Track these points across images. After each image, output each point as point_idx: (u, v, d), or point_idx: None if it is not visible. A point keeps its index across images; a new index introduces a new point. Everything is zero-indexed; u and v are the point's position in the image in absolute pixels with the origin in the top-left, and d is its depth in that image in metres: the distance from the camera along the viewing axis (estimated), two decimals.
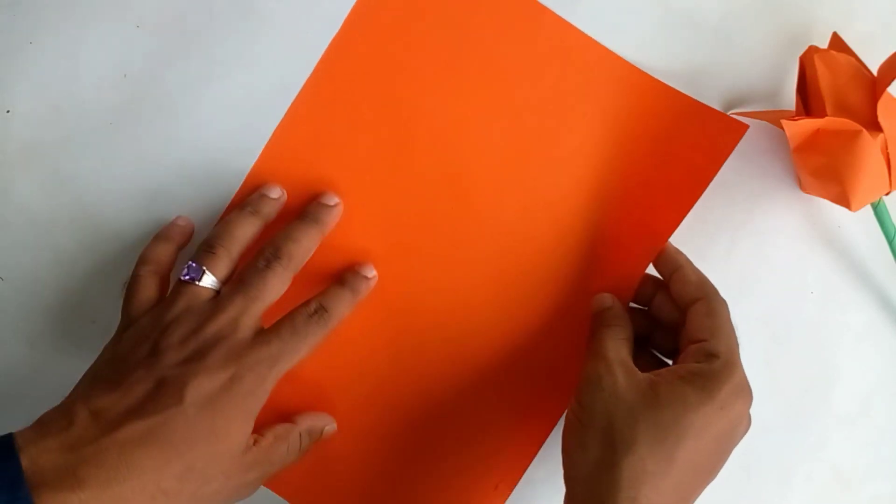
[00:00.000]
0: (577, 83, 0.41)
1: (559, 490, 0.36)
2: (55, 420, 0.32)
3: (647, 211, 0.41)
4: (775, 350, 0.43)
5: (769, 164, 0.43)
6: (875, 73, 0.40)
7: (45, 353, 0.41)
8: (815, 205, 0.43)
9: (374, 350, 0.41)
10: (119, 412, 0.32)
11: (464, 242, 0.41)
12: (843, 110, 0.39)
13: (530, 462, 0.41)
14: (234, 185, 0.40)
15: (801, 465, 0.44)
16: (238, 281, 0.36)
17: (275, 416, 0.38)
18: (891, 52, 0.39)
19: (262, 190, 0.39)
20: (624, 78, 0.41)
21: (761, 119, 0.42)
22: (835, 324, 0.44)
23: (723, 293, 0.43)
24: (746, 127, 0.40)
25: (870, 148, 0.38)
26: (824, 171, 0.39)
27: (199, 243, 0.38)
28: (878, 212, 0.41)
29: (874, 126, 0.38)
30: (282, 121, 0.40)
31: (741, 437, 0.36)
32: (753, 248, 0.43)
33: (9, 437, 0.31)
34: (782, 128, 0.39)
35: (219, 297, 0.36)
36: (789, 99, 0.42)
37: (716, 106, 0.43)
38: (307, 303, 0.37)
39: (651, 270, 0.41)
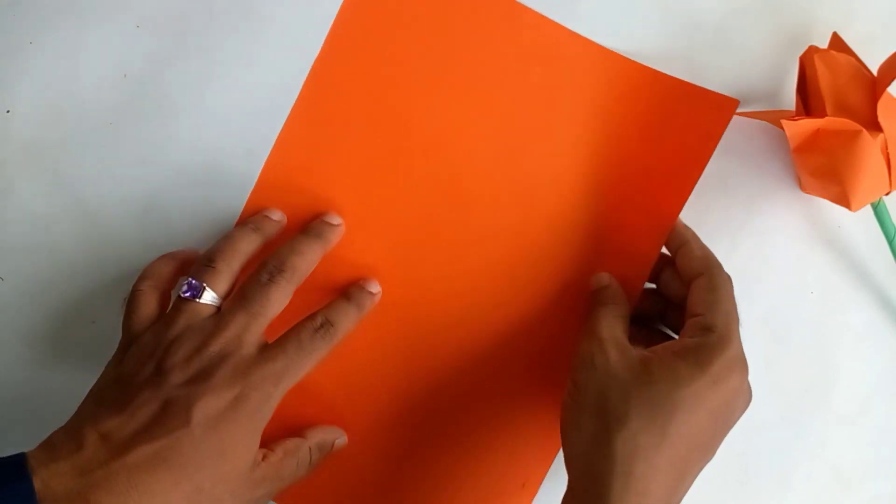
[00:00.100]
0: (564, 77, 0.40)
1: None
2: (65, 442, 0.32)
3: (649, 197, 0.40)
4: (775, 350, 0.43)
5: (769, 164, 0.43)
6: (875, 73, 0.40)
7: (45, 354, 0.41)
8: (815, 205, 0.43)
9: (383, 358, 0.41)
10: (127, 435, 0.32)
11: (468, 245, 0.41)
12: (843, 110, 0.39)
13: (554, 458, 0.41)
14: (233, 185, 0.40)
15: (801, 465, 0.44)
16: (240, 296, 0.36)
17: (284, 430, 0.38)
18: (891, 52, 0.39)
19: (265, 212, 0.39)
20: (610, 67, 0.41)
21: (761, 119, 0.42)
22: (835, 324, 0.44)
23: None
24: (737, 102, 0.40)
25: (870, 148, 0.38)
26: (824, 171, 0.39)
27: (201, 249, 0.38)
28: (878, 212, 0.41)
29: (874, 126, 0.38)
30: (280, 133, 0.40)
31: (741, 412, 0.36)
32: (753, 248, 0.43)
33: (21, 457, 0.31)
34: (782, 128, 0.39)
35: (220, 314, 0.35)
36: (789, 99, 0.42)
37: None
38: (312, 317, 0.37)
39: None
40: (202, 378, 0.33)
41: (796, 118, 0.39)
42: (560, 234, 0.41)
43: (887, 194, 0.40)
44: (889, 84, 0.38)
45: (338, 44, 0.40)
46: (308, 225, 0.39)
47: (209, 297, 0.36)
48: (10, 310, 0.40)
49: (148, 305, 0.36)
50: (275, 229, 0.39)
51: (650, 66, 0.42)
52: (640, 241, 0.40)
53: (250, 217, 0.39)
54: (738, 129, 0.43)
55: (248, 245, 0.37)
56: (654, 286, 0.41)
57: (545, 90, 0.41)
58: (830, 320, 0.44)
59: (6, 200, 0.40)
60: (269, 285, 0.36)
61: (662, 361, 0.34)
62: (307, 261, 0.37)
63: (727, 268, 0.43)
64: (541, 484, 0.41)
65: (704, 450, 0.35)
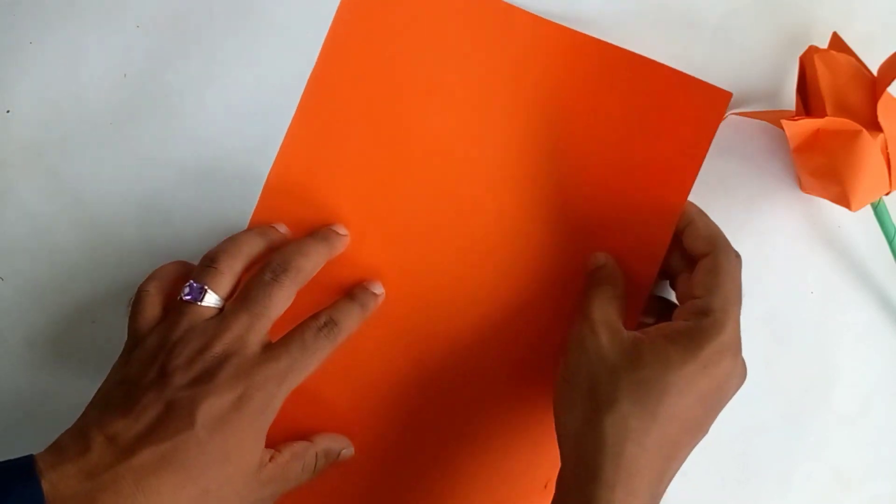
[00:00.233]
0: (563, 74, 0.40)
1: None
2: (71, 445, 0.32)
3: (653, 186, 0.40)
4: (775, 350, 0.43)
5: (769, 164, 0.43)
6: (875, 73, 0.40)
7: (44, 353, 0.41)
8: (815, 205, 0.43)
9: (391, 361, 0.41)
10: (132, 437, 0.32)
11: (473, 242, 0.40)
12: (843, 110, 0.39)
13: None
14: (233, 185, 0.40)
15: (801, 465, 0.44)
16: (243, 296, 0.35)
17: (289, 435, 0.38)
18: (891, 52, 0.39)
19: (273, 225, 0.39)
20: (608, 60, 0.40)
21: (761, 119, 0.42)
22: (835, 324, 0.44)
23: None
24: (729, 95, 0.40)
25: (870, 148, 0.38)
26: (824, 171, 0.39)
27: (203, 248, 0.38)
28: (878, 212, 0.41)
29: (874, 126, 0.38)
30: (286, 136, 0.40)
31: (734, 392, 0.36)
32: (753, 248, 0.43)
33: (29, 460, 0.31)
34: (782, 128, 0.39)
35: (223, 314, 0.35)
36: (789, 99, 0.42)
37: None
38: (316, 316, 0.37)
39: None
40: (205, 379, 0.33)
41: (796, 118, 0.39)
42: (567, 228, 0.41)
43: (887, 194, 0.40)
44: (889, 84, 0.38)
45: (337, 44, 0.40)
46: (315, 231, 0.39)
47: (211, 299, 0.35)
48: (10, 310, 0.40)
49: (153, 307, 0.36)
50: (279, 238, 0.39)
51: None
52: (648, 231, 0.40)
53: (256, 225, 0.39)
54: (738, 129, 0.43)
55: (251, 247, 0.37)
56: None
57: (544, 88, 0.41)
58: (830, 320, 0.44)
59: (6, 200, 0.40)
60: (272, 284, 0.35)
61: (654, 345, 0.34)
62: (312, 262, 0.37)
63: None
64: None
65: (696, 430, 0.35)
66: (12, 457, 0.32)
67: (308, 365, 0.35)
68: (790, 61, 0.42)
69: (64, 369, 0.41)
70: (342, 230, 0.39)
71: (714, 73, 0.42)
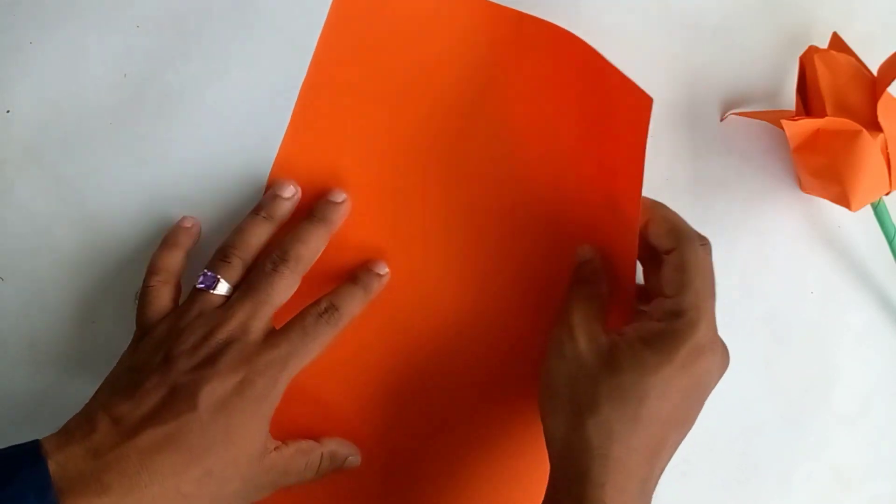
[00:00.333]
0: (548, 72, 0.40)
1: None
2: (78, 427, 0.33)
3: (610, 184, 0.39)
4: (775, 350, 0.43)
5: (769, 164, 0.43)
6: (875, 73, 0.40)
7: (44, 353, 0.41)
8: (815, 205, 0.43)
9: (387, 361, 0.41)
10: (137, 419, 0.33)
11: (472, 233, 0.41)
12: (843, 110, 0.39)
13: None
14: (233, 184, 0.40)
15: (801, 465, 0.44)
16: (247, 286, 0.36)
17: (297, 434, 0.38)
18: (891, 52, 0.39)
19: (276, 190, 0.39)
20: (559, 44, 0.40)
21: (761, 119, 0.42)
22: (835, 324, 0.44)
23: (723, 293, 0.43)
24: (651, 101, 0.36)
25: (870, 148, 0.38)
26: (824, 171, 0.39)
27: (204, 244, 0.39)
28: (878, 212, 0.41)
29: (874, 126, 0.38)
30: (290, 123, 0.40)
31: (717, 381, 0.36)
32: (753, 248, 0.43)
33: (35, 444, 0.32)
34: (782, 128, 0.39)
35: (229, 303, 0.36)
36: (789, 99, 0.42)
37: (716, 106, 0.43)
38: (317, 302, 0.37)
39: None
40: (208, 364, 0.34)
41: (796, 118, 0.39)
42: (546, 227, 0.41)
43: (887, 194, 0.40)
44: (889, 84, 0.38)
45: (331, 43, 0.40)
46: (313, 208, 0.39)
47: (222, 287, 0.37)
48: (10, 310, 0.40)
49: (160, 299, 0.37)
50: (287, 209, 0.39)
51: (650, 65, 0.42)
52: (616, 227, 0.39)
53: (262, 202, 0.39)
54: (738, 129, 0.43)
55: (259, 236, 0.38)
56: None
57: (530, 85, 0.40)
58: (830, 320, 0.44)
59: (6, 200, 0.40)
60: (272, 274, 0.36)
61: (631, 349, 0.34)
62: (311, 248, 0.38)
63: (727, 268, 0.43)
64: None
65: (681, 425, 0.35)
66: None
67: (310, 350, 0.36)
68: (790, 61, 0.42)
69: (64, 369, 0.41)
70: (339, 197, 0.39)
71: (714, 73, 0.42)
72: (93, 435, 0.32)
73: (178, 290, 0.39)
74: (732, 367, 0.43)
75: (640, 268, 0.39)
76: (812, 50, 0.40)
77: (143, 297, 0.37)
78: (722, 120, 0.42)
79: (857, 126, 0.38)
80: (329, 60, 0.40)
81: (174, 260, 0.38)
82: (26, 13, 0.40)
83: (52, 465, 0.31)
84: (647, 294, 0.39)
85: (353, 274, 0.39)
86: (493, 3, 0.40)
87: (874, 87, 0.39)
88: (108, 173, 0.40)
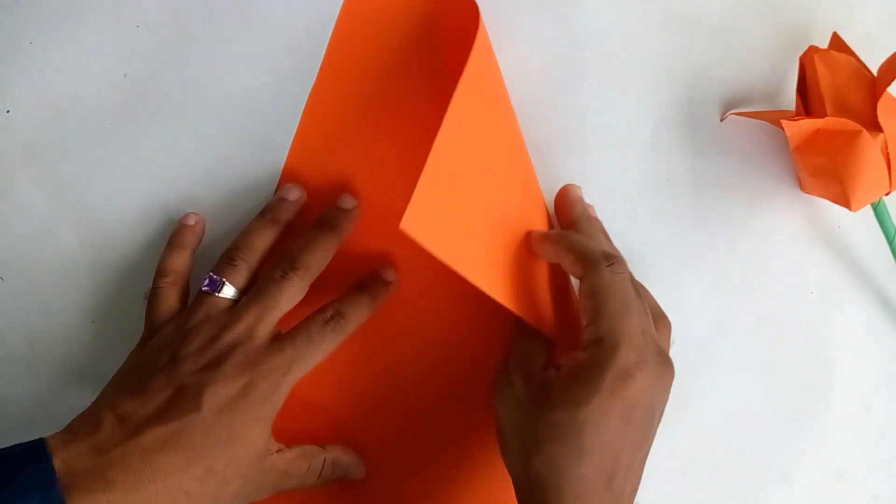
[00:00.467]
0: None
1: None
2: (83, 425, 0.33)
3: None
4: (775, 350, 0.43)
5: (769, 164, 0.43)
6: (875, 73, 0.40)
7: (44, 354, 0.41)
8: (815, 205, 0.43)
9: (399, 368, 0.41)
10: (142, 417, 0.33)
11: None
12: (843, 110, 0.39)
13: None
14: (233, 184, 0.40)
15: (802, 466, 0.44)
16: (255, 291, 0.37)
17: (298, 439, 0.38)
18: (891, 52, 0.39)
19: (282, 193, 0.40)
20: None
21: (761, 119, 0.42)
22: (835, 324, 0.44)
23: (723, 293, 0.43)
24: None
25: (870, 148, 0.38)
26: (824, 171, 0.39)
27: (206, 244, 0.39)
28: (878, 212, 0.41)
29: (874, 126, 0.38)
30: (298, 128, 0.40)
31: (661, 397, 0.35)
32: (753, 248, 0.43)
33: (40, 441, 0.32)
34: (782, 128, 0.39)
35: (236, 307, 0.37)
36: (789, 99, 0.42)
37: (716, 106, 0.43)
38: (324, 309, 0.37)
39: None
40: (214, 366, 0.34)
41: (796, 118, 0.39)
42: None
43: (887, 194, 0.40)
44: (889, 84, 0.38)
45: (340, 47, 0.40)
46: (322, 215, 0.39)
47: (228, 291, 0.37)
48: (10, 310, 0.40)
49: (169, 300, 0.38)
50: (293, 212, 0.40)
51: (650, 65, 0.42)
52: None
53: (268, 205, 0.40)
54: (738, 129, 0.43)
55: (265, 239, 0.39)
56: None
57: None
58: (830, 320, 0.44)
59: (6, 200, 0.40)
60: (281, 281, 0.37)
61: (562, 384, 0.34)
62: (320, 256, 0.38)
63: (727, 268, 0.43)
64: None
65: (634, 446, 0.34)
66: None
67: (313, 356, 0.36)
68: (790, 61, 0.42)
69: (64, 369, 0.41)
70: (348, 203, 0.39)
71: (714, 73, 0.42)
72: (98, 432, 0.32)
73: (185, 290, 0.39)
74: (733, 367, 0.43)
75: None
76: (812, 50, 0.40)
77: (152, 297, 0.38)
78: (722, 120, 0.42)
79: (857, 126, 0.38)
80: (338, 66, 0.40)
81: (181, 261, 0.39)
82: (26, 13, 0.40)
83: (56, 462, 0.31)
84: None
85: (361, 281, 0.39)
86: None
87: (874, 87, 0.39)
88: (108, 173, 0.40)
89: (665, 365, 0.34)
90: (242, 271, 0.38)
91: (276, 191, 0.40)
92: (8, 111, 0.40)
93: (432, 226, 0.33)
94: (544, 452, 0.33)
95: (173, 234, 0.40)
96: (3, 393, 0.41)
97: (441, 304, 0.41)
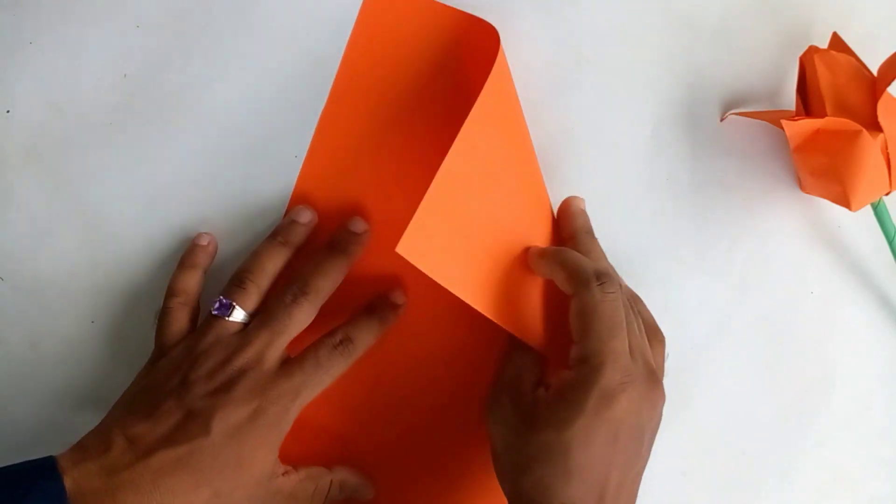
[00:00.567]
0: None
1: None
2: (94, 445, 0.34)
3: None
4: (775, 350, 0.43)
5: (769, 164, 0.43)
6: (875, 73, 0.40)
7: (44, 354, 0.41)
8: (815, 205, 0.43)
9: (407, 388, 0.41)
10: (152, 440, 0.33)
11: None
12: (843, 110, 0.39)
13: None
14: (233, 185, 0.40)
15: (802, 466, 0.44)
16: (265, 315, 0.37)
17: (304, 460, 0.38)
18: (891, 52, 0.39)
19: (293, 215, 0.40)
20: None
21: (761, 119, 0.42)
22: (835, 324, 0.44)
23: (723, 293, 0.43)
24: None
25: (870, 148, 0.38)
26: (824, 171, 0.39)
27: (216, 261, 0.39)
28: (878, 212, 0.41)
29: (874, 126, 0.38)
30: (310, 145, 0.40)
31: (649, 417, 0.35)
32: (753, 248, 0.43)
33: (51, 460, 0.32)
34: (782, 128, 0.39)
35: (246, 331, 0.37)
36: (789, 99, 0.42)
37: (716, 106, 0.43)
38: (333, 333, 0.38)
39: None
40: (223, 391, 0.35)
41: (796, 118, 0.39)
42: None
43: (887, 194, 0.40)
44: (889, 84, 0.38)
45: (353, 66, 0.40)
46: (332, 238, 0.39)
47: (238, 315, 0.37)
48: (10, 310, 0.40)
49: (179, 321, 0.38)
50: (304, 234, 0.40)
51: (650, 65, 0.42)
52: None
53: (279, 227, 0.40)
54: (738, 129, 0.43)
55: (275, 262, 0.39)
56: None
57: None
58: (830, 320, 0.44)
59: (6, 200, 0.40)
60: (292, 306, 0.37)
61: (549, 405, 0.34)
62: (331, 280, 0.38)
63: (727, 268, 0.43)
64: None
65: (624, 465, 0.34)
66: (11, 460, 0.33)
67: (322, 381, 0.36)
68: (790, 61, 0.42)
69: (63, 369, 0.41)
70: (360, 227, 0.39)
71: (714, 73, 0.42)
72: (108, 453, 0.33)
73: (196, 310, 0.39)
74: (733, 367, 0.43)
75: None
76: (812, 50, 0.40)
77: (163, 318, 0.38)
78: (722, 120, 0.42)
79: (857, 126, 0.38)
80: (349, 87, 0.40)
81: (192, 281, 0.39)
82: (26, 13, 0.40)
83: (67, 482, 0.31)
84: None
85: (370, 304, 0.39)
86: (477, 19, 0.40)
87: (874, 87, 0.39)
88: (108, 173, 0.40)
89: (654, 385, 0.34)
90: (252, 294, 0.38)
91: (286, 213, 0.40)
92: (8, 111, 0.40)
93: (429, 249, 0.33)
94: (533, 473, 0.33)
95: (185, 253, 0.40)
96: (3, 393, 0.41)
97: (446, 323, 0.41)
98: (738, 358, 0.43)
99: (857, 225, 0.43)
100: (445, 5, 0.40)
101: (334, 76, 0.40)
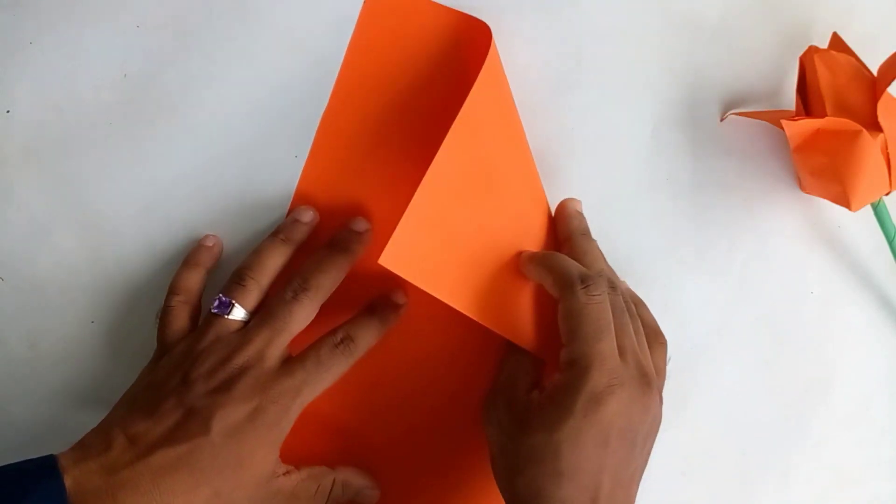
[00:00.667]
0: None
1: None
2: (95, 443, 0.33)
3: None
4: (775, 350, 0.43)
5: (769, 164, 0.43)
6: (875, 73, 0.40)
7: (45, 354, 0.41)
8: (815, 205, 0.43)
9: (409, 389, 0.41)
10: (152, 439, 0.33)
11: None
12: (843, 110, 0.39)
13: None
14: (233, 185, 0.40)
15: (801, 465, 0.44)
16: (266, 313, 0.37)
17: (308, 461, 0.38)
18: (891, 52, 0.39)
19: (295, 214, 0.40)
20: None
21: (761, 119, 0.42)
22: (835, 324, 0.44)
23: (723, 293, 0.43)
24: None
25: (870, 148, 0.38)
26: (824, 171, 0.39)
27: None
28: (878, 212, 0.41)
29: (874, 126, 0.38)
30: (315, 139, 0.40)
31: (641, 419, 0.34)
32: (753, 248, 0.43)
33: (52, 458, 0.32)
34: (782, 128, 0.39)
35: (246, 329, 0.37)
36: (789, 99, 0.42)
37: (716, 106, 0.43)
38: (334, 332, 0.37)
39: None
40: (224, 389, 0.34)
41: (796, 118, 0.39)
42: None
43: (887, 194, 0.40)
44: (889, 84, 0.38)
45: (355, 67, 0.40)
46: (334, 237, 0.39)
47: (238, 313, 0.37)
48: (10, 310, 0.40)
49: (180, 319, 0.38)
50: (305, 233, 0.40)
51: (650, 65, 0.42)
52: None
53: (281, 225, 0.40)
54: (738, 129, 0.43)
55: (276, 260, 0.38)
56: None
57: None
58: (830, 320, 0.44)
59: (6, 200, 0.40)
60: (292, 303, 0.37)
61: (540, 408, 0.34)
62: (332, 278, 0.38)
63: (727, 268, 0.43)
64: None
65: (616, 468, 0.34)
66: (11, 460, 0.32)
67: (323, 380, 0.36)
68: (790, 61, 0.42)
69: (63, 369, 0.41)
70: (361, 226, 0.39)
71: (714, 73, 0.42)
72: (108, 452, 0.33)
73: (197, 309, 0.39)
74: (733, 367, 0.43)
75: None
76: (812, 50, 0.40)
77: (164, 317, 0.38)
78: (722, 120, 0.42)
79: (857, 126, 0.38)
80: (351, 88, 0.40)
81: (195, 280, 0.39)
82: (26, 13, 0.40)
83: (68, 481, 0.31)
84: None
85: (371, 304, 0.39)
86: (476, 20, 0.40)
87: (874, 87, 0.39)
88: (108, 173, 0.40)
89: (646, 387, 0.34)
90: (253, 292, 0.37)
91: (288, 212, 0.40)
92: (8, 111, 0.40)
93: (414, 258, 0.34)
94: (525, 474, 0.33)
95: (190, 253, 0.40)
96: (3, 393, 0.41)
97: (447, 324, 0.40)
98: (738, 358, 0.43)
99: (857, 225, 0.43)
100: (445, 6, 0.40)
101: (336, 76, 0.40)
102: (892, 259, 0.43)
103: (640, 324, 0.37)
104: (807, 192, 0.43)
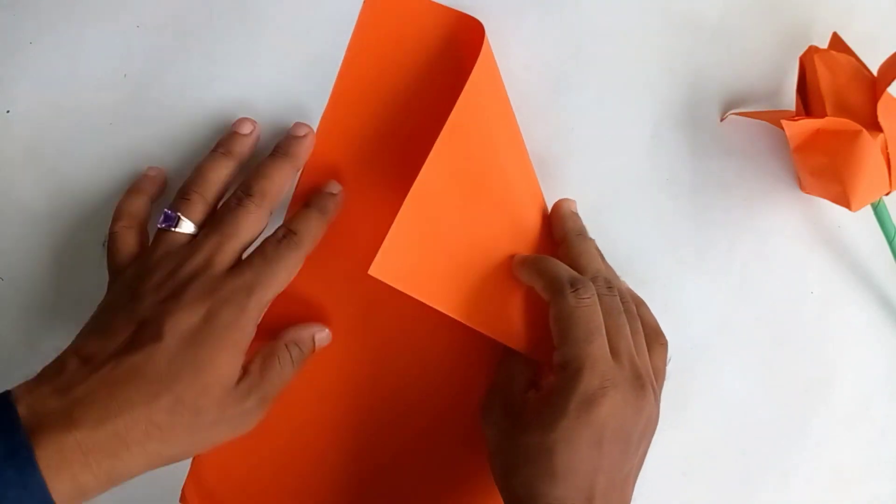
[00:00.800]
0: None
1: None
2: (48, 370, 0.33)
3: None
4: (775, 350, 0.43)
5: (769, 164, 0.43)
6: (875, 73, 0.40)
7: (45, 354, 0.41)
8: (815, 205, 0.43)
9: (384, 391, 0.41)
10: (105, 355, 0.33)
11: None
12: (843, 110, 0.39)
13: None
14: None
15: (801, 465, 0.44)
16: (213, 222, 0.37)
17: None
18: (891, 52, 0.39)
19: (234, 127, 0.39)
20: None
21: (761, 119, 0.42)
22: (835, 324, 0.44)
23: (723, 293, 0.43)
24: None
25: (870, 148, 0.38)
26: (824, 171, 0.39)
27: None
28: (878, 212, 0.41)
29: (874, 126, 0.38)
30: (318, 128, 0.40)
31: (635, 420, 0.34)
32: (753, 248, 0.43)
33: (5, 393, 0.32)
34: (782, 128, 0.39)
35: (195, 240, 0.36)
36: (789, 99, 0.42)
37: (716, 106, 0.43)
38: (274, 231, 0.37)
39: None
40: (173, 298, 0.34)
41: (796, 118, 0.39)
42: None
43: (887, 194, 0.40)
44: (889, 84, 0.38)
45: (353, 68, 0.40)
46: (278, 144, 0.39)
47: (185, 226, 0.37)
48: (10, 309, 0.40)
49: (127, 244, 0.38)
50: (247, 146, 0.39)
51: (650, 65, 0.42)
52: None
53: (221, 139, 0.39)
54: (738, 129, 0.43)
55: (219, 173, 0.38)
56: None
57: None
58: (830, 320, 0.44)
59: (6, 200, 0.40)
60: (237, 209, 0.36)
61: (535, 408, 0.34)
62: (275, 183, 0.38)
63: (727, 268, 0.43)
64: None
65: (611, 468, 0.34)
66: None
67: (274, 276, 0.36)
68: (790, 61, 0.42)
69: None
70: (301, 130, 0.39)
71: (714, 73, 0.42)
72: (62, 375, 0.32)
73: (143, 234, 0.39)
74: (732, 367, 0.43)
75: None
76: (812, 50, 0.40)
77: (111, 243, 0.38)
78: (722, 120, 0.42)
79: (857, 126, 0.38)
80: (351, 86, 0.40)
81: (137, 205, 0.39)
82: (26, 13, 0.40)
83: (21, 408, 0.31)
84: None
85: (307, 198, 0.39)
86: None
87: (874, 87, 0.39)
88: (108, 173, 0.40)
89: (640, 389, 0.34)
90: (198, 205, 0.37)
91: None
92: (8, 111, 0.40)
93: (403, 267, 0.34)
94: (520, 474, 0.34)
95: (132, 183, 0.39)
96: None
97: (447, 326, 0.39)
98: (738, 358, 0.43)
99: (857, 225, 0.43)
100: (444, 6, 0.40)
101: (335, 77, 0.40)
102: (892, 259, 0.42)
103: (639, 324, 0.37)
104: (807, 192, 0.43)
